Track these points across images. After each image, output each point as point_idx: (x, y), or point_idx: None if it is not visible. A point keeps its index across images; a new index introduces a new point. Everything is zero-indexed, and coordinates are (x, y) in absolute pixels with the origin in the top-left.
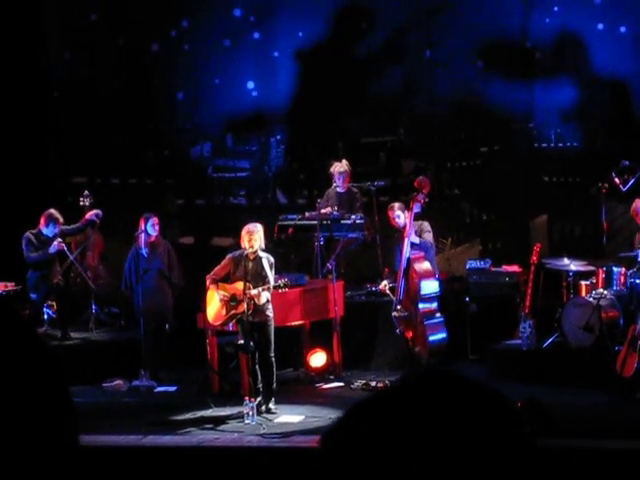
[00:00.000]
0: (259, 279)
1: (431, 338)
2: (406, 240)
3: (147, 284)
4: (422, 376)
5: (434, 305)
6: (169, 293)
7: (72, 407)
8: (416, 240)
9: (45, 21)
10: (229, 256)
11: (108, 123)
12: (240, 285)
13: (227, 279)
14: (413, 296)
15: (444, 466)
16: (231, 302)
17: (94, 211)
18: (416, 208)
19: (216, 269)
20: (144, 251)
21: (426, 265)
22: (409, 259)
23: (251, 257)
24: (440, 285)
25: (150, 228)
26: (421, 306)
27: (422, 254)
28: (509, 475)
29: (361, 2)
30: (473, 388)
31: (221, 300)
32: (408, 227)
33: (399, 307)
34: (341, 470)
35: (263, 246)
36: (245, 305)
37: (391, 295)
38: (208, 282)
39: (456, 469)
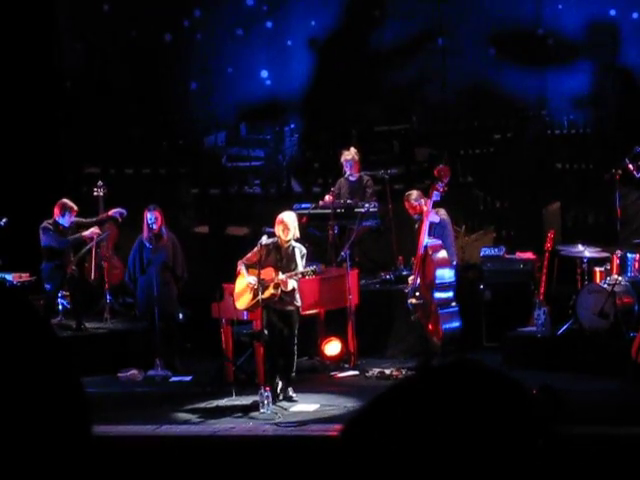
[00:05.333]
0: (289, 268)
1: (445, 327)
2: (425, 221)
3: (149, 275)
4: (443, 366)
5: (449, 294)
6: (172, 285)
7: (83, 398)
8: (436, 219)
9: (57, 12)
10: (262, 243)
11: (121, 113)
12: (269, 271)
13: (256, 266)
14: (429, 284)
15: (464, 457)
16: (258, 287)
17: (119, 209)
18: (435, 196)
19: (248, 255)
20: (147, 243)
21: (443, 254)
22: (426, 247)
23: (284, 246)
24: (456, 273)
25: (150, 222)
26: (436, 295)
27: (440, 243)
28: (530, 463)
29: None
30: (494, 377)
31: (249, 285)
32: (427, 212)
33: (417, 294)
34: (361, 461)
35: (297, 235)
36: (272, 291)
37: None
38: (239, 267)
39: (476, 459)
